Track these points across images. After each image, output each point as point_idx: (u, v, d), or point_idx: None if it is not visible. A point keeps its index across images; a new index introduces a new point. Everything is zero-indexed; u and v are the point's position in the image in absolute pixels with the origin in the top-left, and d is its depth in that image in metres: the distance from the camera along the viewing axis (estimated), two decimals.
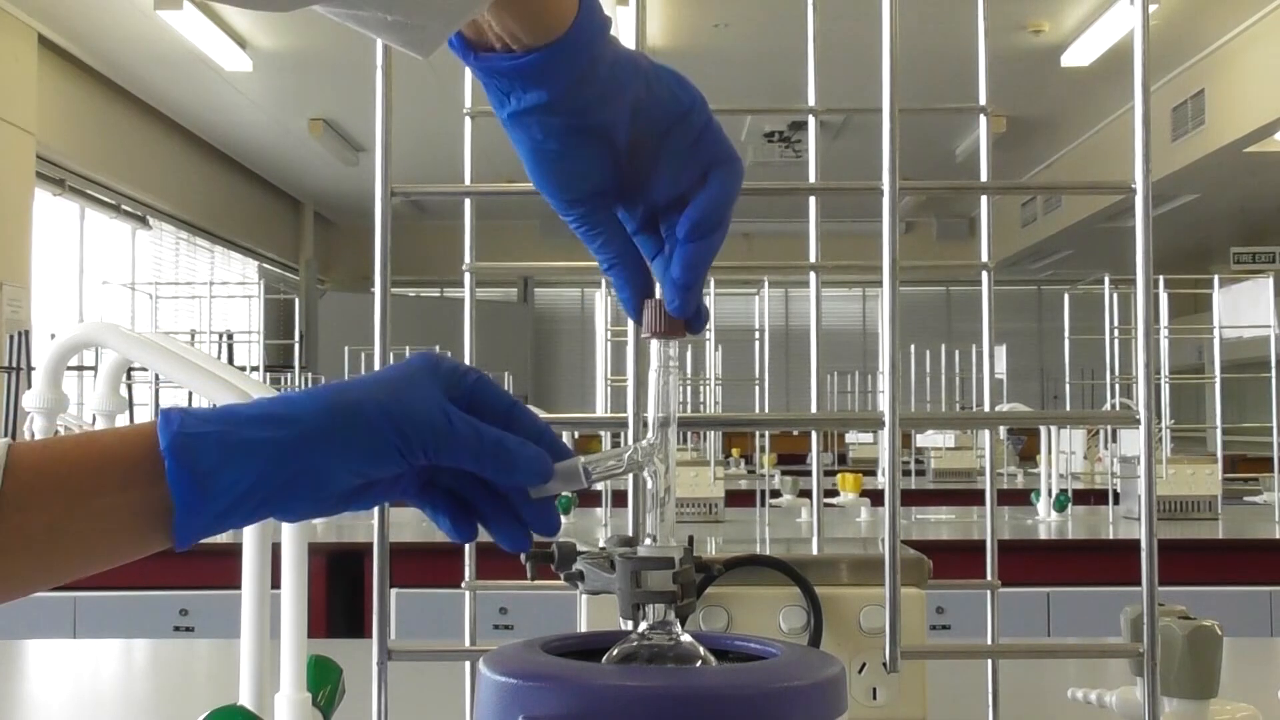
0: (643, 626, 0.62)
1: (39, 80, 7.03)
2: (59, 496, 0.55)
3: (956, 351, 6.79)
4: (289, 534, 0.95)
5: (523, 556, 0.66)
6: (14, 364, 5.87)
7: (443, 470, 0.62)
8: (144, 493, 0.56)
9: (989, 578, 1.00)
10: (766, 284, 3.72)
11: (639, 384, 0.89)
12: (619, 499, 3.46)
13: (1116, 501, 3.94)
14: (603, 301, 3.82)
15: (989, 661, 1.00)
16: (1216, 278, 4.21)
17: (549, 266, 1.09)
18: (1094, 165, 9.50)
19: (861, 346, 12.27)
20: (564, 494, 0.82)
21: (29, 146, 7.00)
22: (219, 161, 10.36)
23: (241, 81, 8.14)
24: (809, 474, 1.20)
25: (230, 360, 7.05)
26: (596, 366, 3.99)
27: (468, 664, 0.91)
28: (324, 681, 0.99)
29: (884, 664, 0.84)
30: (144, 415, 4.95)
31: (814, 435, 1.14)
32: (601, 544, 0.65)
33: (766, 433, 5.14)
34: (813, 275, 1.06)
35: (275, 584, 0.95)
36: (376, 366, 0.72)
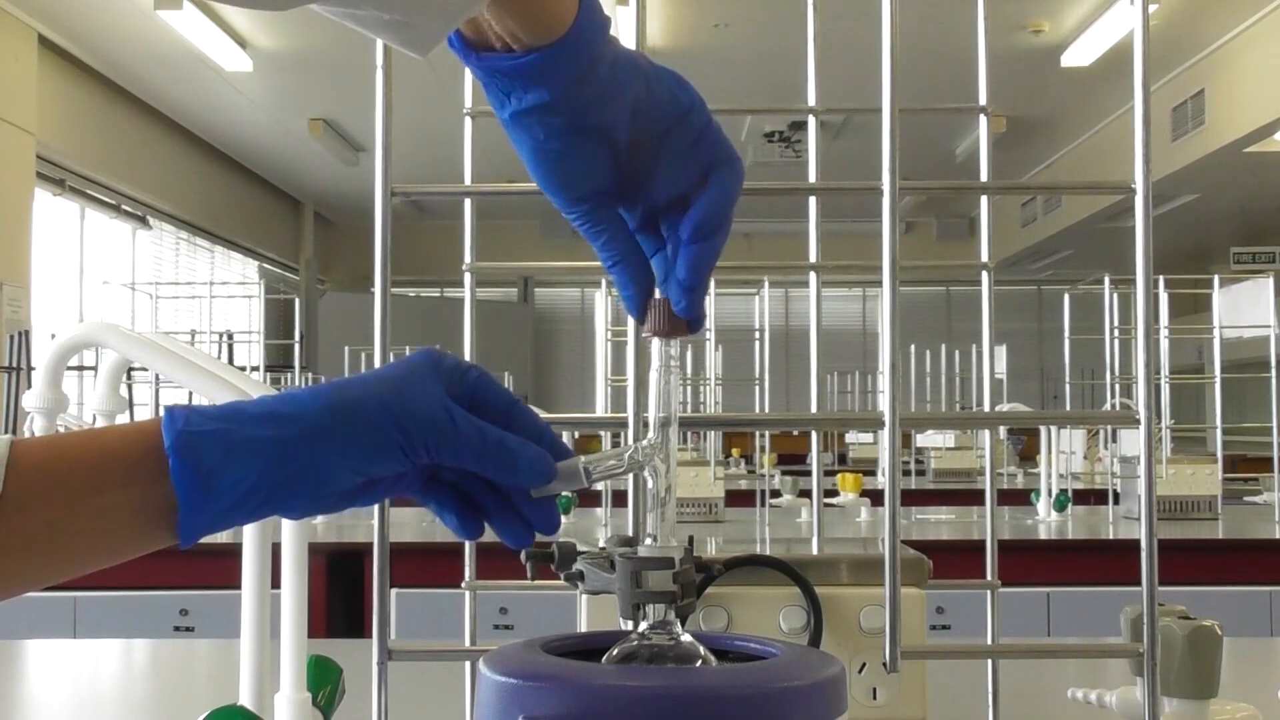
0: (643, 626, 0.62)
1: (39, 80, 7.04)
2: (61, 493, 0.55)
3: (956, 351, 6.79)
4: (289, 534, 0.95)
5: (523, 556, 0.66)
6: (14, 364, 5.87)
7: (445, 467, 0.62)
8: (146, 490, 0.56)
9: (989, 578, 1.00)
10: (766, 284, 3.72)
11: (639, 384, 0.89)
12: (619, 499, 3.46)
13: (1116, 501, 3.94)
14: (603, 301, 3.82)
15: (989, 661, 1.00)
16: (1216, 278, 4.21)
17: (549, 266, 1.09)
18: (1094, 165, 9.50)
19: (861, 346, 12.28)
20: (564, 494, 0.82)
21: (29, 146, 7.00)
22: (219, 161, 10.36)
23: (241, 81, 8.14)
24: (809, 474, 1.20)
25: (230, 360, 7.05)
26: (596, 366, 3.99)
27: (468, 664, 0.91)
28: (324, 681, 0.99)
29: (884, 664, 0.84)
30: (144, 415, 4.95)
31: (814, 435, 1.14)
32: (601, 544, 0.65)
33: (766, 433, 5.14)
34: (813, 275, 1.06)
35: (275, 584, 0.95)
36: (377, 366, 0.72)
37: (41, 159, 7.29)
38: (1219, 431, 4.09)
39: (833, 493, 4.01)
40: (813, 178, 1.06)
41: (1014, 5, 6.79)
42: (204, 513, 0.57)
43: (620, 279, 0.68)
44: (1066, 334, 4.22)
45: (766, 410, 3.67)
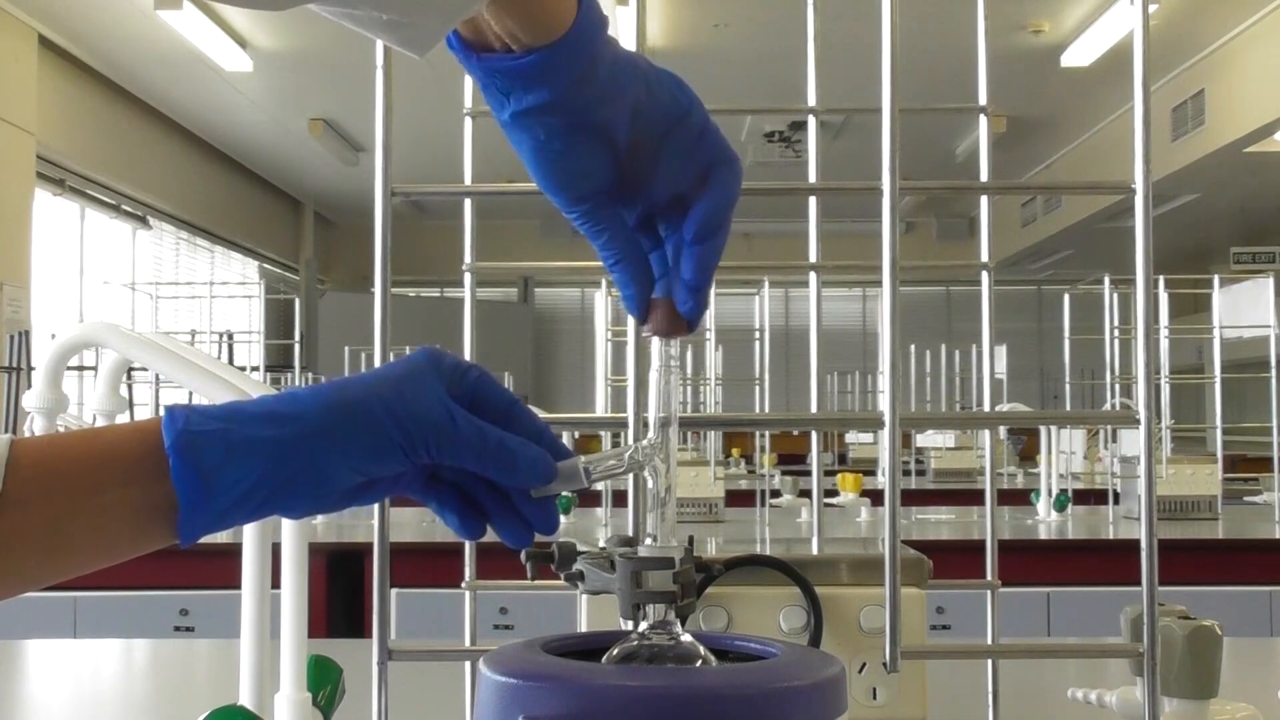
0: (643, 626, 0.62)
1: (39, 80, 7.04)
2: (61, 492, 0.55)
3: (956, 351, 6.79)
4: (289, 533, 0.95)
5: (523, 556, 0.66)
6: (14, 364, 5.87)
7: (445, 467, 0.63)
8: (147, 489, 0.56)
9: (989, 578, 1.00)
10: (766, 284, 3.72)
11: (639, 384, 0.89)
12: (619, 499, 3.46)
13: (1116, 501, 3.95)
14: (603, 301, 3.82)
15: (989, 661, 1.00)
16: (1216, 278, 4.21)
17: (549, 266, 1.09)
18: (1094, 165, 9.50)
19: (861, 346, 12.27)
20: (564, 494, 0.82)
21: (29, 146, 7.00)
22: (219, 161, 10.36)
23: (241, 81, 8.14)
24: (809, 474, 1.20)
25: (230, 360, 7.05)
26: (596, 366, 3.99)
27: (468, 664, 0.91)
28: (324, 681, 0.99)
29: (884, 664, 0.84)
30: (144, 415, 4.95)
31: (814, 435, 1.14)
32: (601, 544, 0.65)
33: (766, 433, 5.14)
34: (813, 275, 1.06)
35: (275, 584, 0.95)
36: (377, 366, 0.72)
37: (41, 159, 7.29)
38: (1219, 431, 4.09)
39: (833, 493, 4.01)
40: (813, 178, 1.06)
41: (1014, 5, 6.79)
42: (204, 512, 0.57)
43: (621, 278, 0.68)
44: (1066, 334, 4.22)
45: (766, 410, 3.67)
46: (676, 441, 0.65)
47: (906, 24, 0.85)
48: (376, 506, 0.84)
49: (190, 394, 1.09)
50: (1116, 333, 3.99)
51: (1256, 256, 9.97)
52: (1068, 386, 4.43)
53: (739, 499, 4.35)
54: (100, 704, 1.47)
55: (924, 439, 6.29)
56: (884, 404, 0.84)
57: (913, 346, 6.95)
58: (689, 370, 4.66)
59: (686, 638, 0.62)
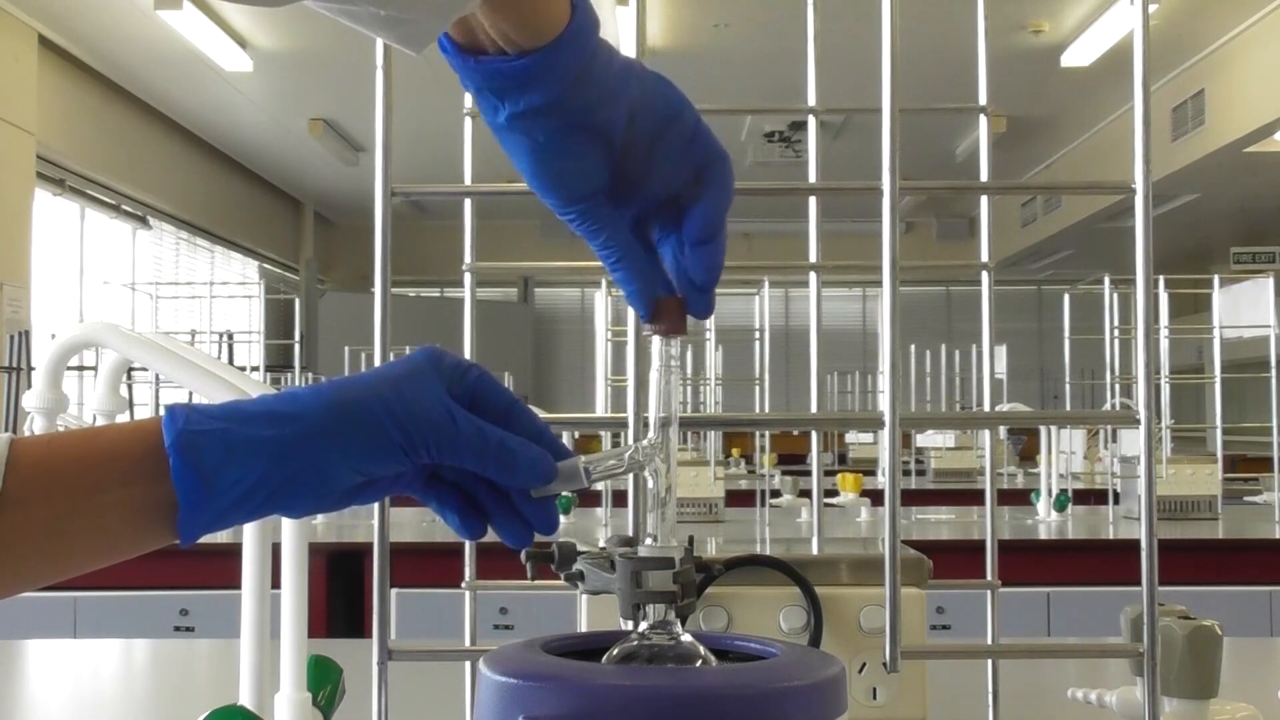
0: (643, 626, 0.62)
1: (39, 80, 7.04)
2: (61, 492, 0.55)
3: (956, 351, 6.79)
4: (289, 533, 0.95)
5: (523, 556, 0.66)
6: (14, 364, 5.87)
7: (445, 466, 0.63)
8: (147, 489, 0.56)
9: (989, 578, 1.00)
10: (766, 284, 3.72)
11: (639, 384, 0.89)
12: (619, 499, 3.46)
13: (1116, 501, 3.95)
14: (603, 301, 3.82)
15: (989, 661, 1.00)
16: (1216, 278, 4.21)
17: (549, 266, 1.09)
18: (1094, 165, 9.50)
19: (861, 346, 12.27)
20: (564, 494, 0.82)
21: (29, 146, 7.00)
22: (219, 161, 10.36)
23: (241, 81, 8.14)
24: (809, 474, 1.20)
25: (230, 360, 7.05)
26: (596, 366, 3.99)
27: (468, 664, 0.91)
28: (324, 681, 0.99)
29: (884, 664, 0.84)
30: (144, 415, 4.95)
31: (814, 435, 1.14)
32: (601, 544, 0.65)
33: (766, 433, 5.14)
34: (813, 275, 1.06)
35: (275, 584, 0.95)
36: (377, 366, 0.72)
37: (41, 159, 7.29)
38: (1219, 431, 4.09)
39: (833, 493, 4.01)
40: (813, 178, 1.06)
41: (1014, 5, 6.79)
42: (204, 511, 0.57)
43: (624, 276, 0.68)
44: (1066, 334, 4.22)
45: (766, 410, 3.67)
46: (676, 441, 0.65)
47: (906, 24, 0.85)
48: (376, 506, 0.84)
49: (190, 394, 1.09)
50: (1116, 333, 4.00)
51: (1256, 256, 9.97)
52: (1068, 386, 4.42)
53: (739, 499, 4.35)
54: (100, 704, 1.47)
55: (924, 439, 6.29)
56: (884, 404, 0.84)
57: (913, 346, 6.95)
58: (689, 370, 4.66)
59: (686, 638, 0.62)
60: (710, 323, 3.92)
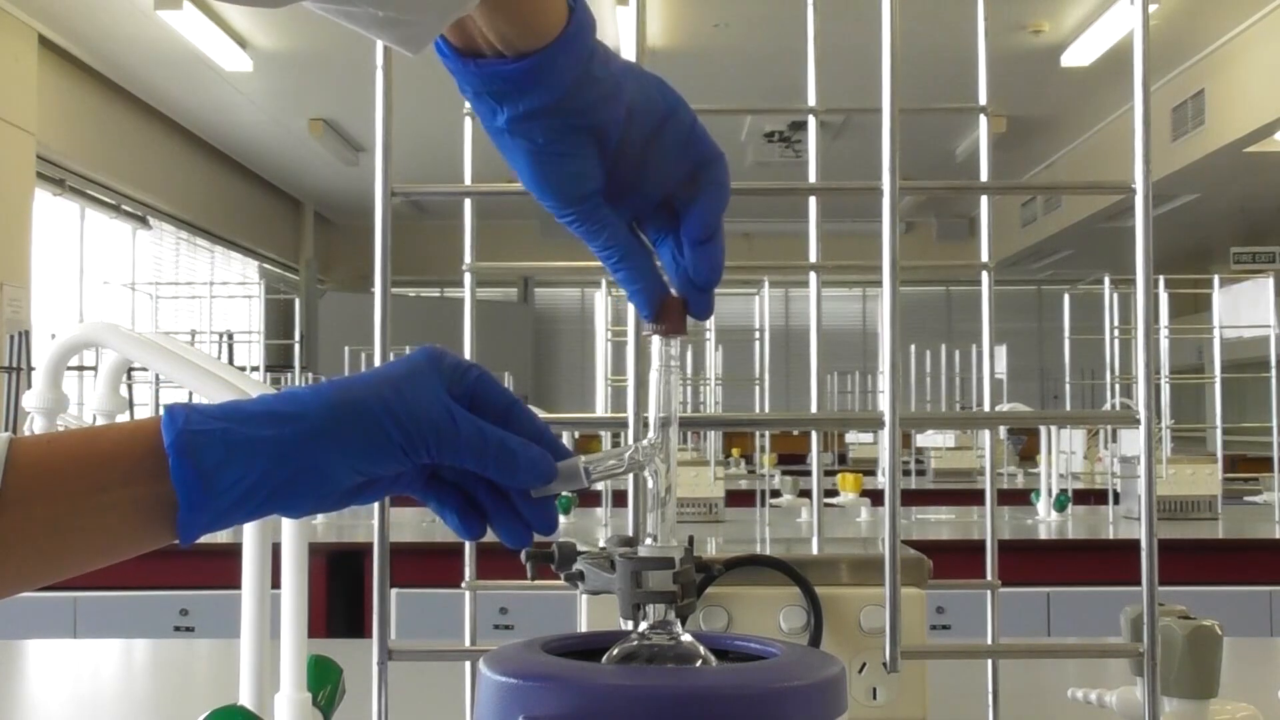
0: (643, 626, 0.62)
1: (39, 80, 7.03)
2: (60, 491, 0.55)
3: (956, 351, 6.79)
4: (289, 533, 0.95)
5: (523, 556, 0.66)
6: (14, 364, 5.87)
7: (445, 466, 0.63)
8: (147, 489, 0.56)
9: (989, 578, 1.00)
10: (766, 284, 3.72)
11: (639, 384, 0.89)
12: (619, 499, 3.46)
13: (1116, 501, 3.95)
14: (603, 301, 3.82)
15: (989, 661, 1.00)
16: (1216, 278, 4.21)
17: (549, 266, 1.09)
18: (1094, 165, 9.50)
19: (861, 346, 12.27)
20: (564, 494, 0.82)
21: (29, 146, 7.00)
22: (219, 161, 10.36)
23: (241, 81, 8.14)
24: (809, 474, 1.20)
25: (230, 360, 7.05)
26: (596, 366, 3.99)
27: (468, 664, 0.91)
28: (324, 681, 0.99)
29: (884, 664, 0.84)
30: (144, 415, 4.95)
31: (814, 435, 1.14)
32: (601, 544, 0.65)
33: (766, 433, 5.14)
34: (813, 275, 1.06)
35: (275, 584, 0.95)
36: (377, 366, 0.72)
37: (41, 159, 7.29)
38: (1219, 431, 4.09)
39: (833, 493, 4.01)
40: (813, 178, 1.06)
41: (1014, 5, 6.79)
42: (204, 511, 0.57)
43: (627, 275, 0.68)
44: (1066, 334, 4.22)
45: (766, 410, 3.67)
46: (676, 441, 0.65)
47: (906, 24, 0.85)
48: (376, 506, 0.84)
49: (190, 394, 1.09)
50: (1116, 333, 4.00)
51: (1256, 256, 9.97)
52: (1068, 386, 4.42)
53: (739, 499, 4.35)
54: (100, 704, 1.47)
55: (924, 439, 6.29)
56: (884, 404, 0.84)
57: (913, 346, 6.95)
58: (689, 370, 4.66)
59: (686, 638, 0.62)
60: (710, 323, 3.92)
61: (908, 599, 0.89)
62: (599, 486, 3.40)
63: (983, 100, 1.04)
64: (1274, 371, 3.87)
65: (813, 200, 1.08)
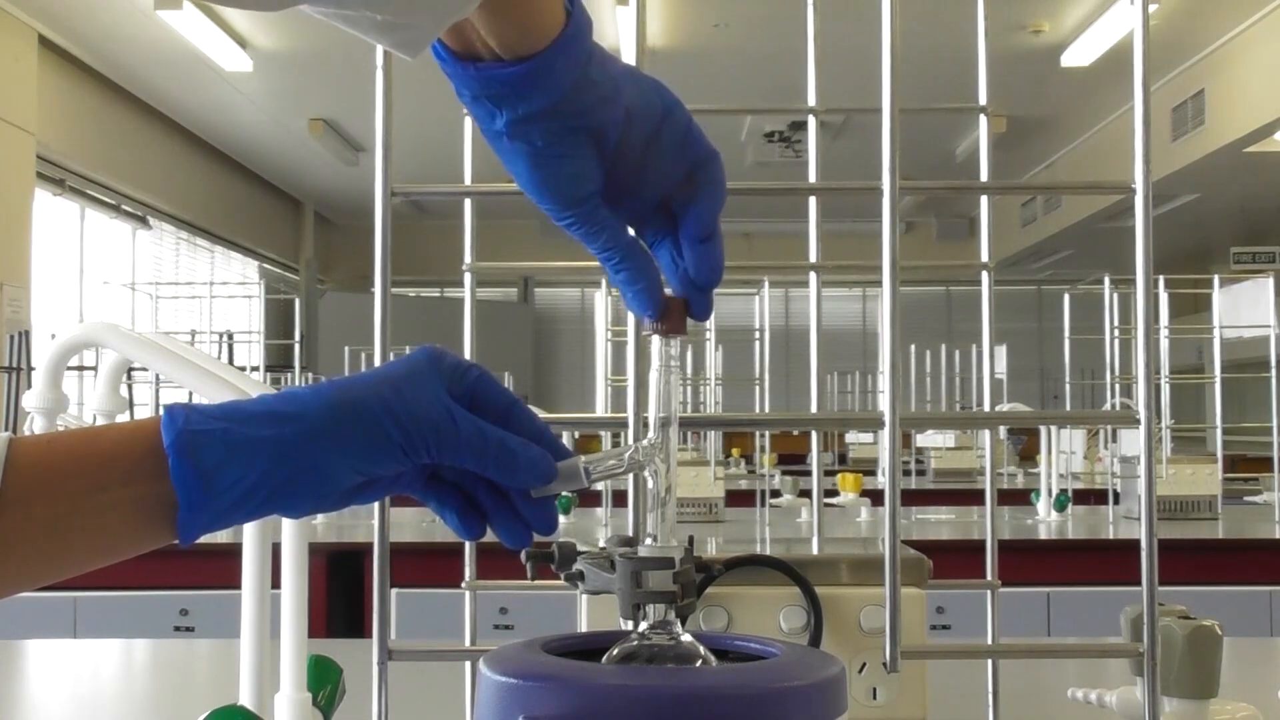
0: (643, 626, 0.62)
1: (39, 80, 7.03)
2: (60, 491, 0.55)
3: (956, 351, 6.79)
4: (289, 533, 0.95)
5: (523, 556, 0.66)
6: (14, 364, 5.87)
7: (445, 466, 0.63)
8: (147, 489, 0.56)
9: (989, 578, 1.00)
10: (766, 284, 3.72)
11: (639, 384, 0.89)
12: (619, 499, 3.46)
13: (1116, 501, 3.95)
14: (603, 301, 3.82)
15: (989, 661, 1.00)
16: (1216, 278, 4.21)
17: (549, 266, 1.09)
18: (1094, 165, 9.50)
19: (861, 346, 12.27)
20: (564, 494, 0.82)
21: (29, 146, 7.00)
22: (219, 161, 10.36)
23: (241, 81, 8.14)
24: (809, 474, 1.20)
25: (230, 360, 7.05)
26: (596, 366, 3.99)
27: (468, 664, 0.91)
28: (324, 681, 0.99)
29: (884, 664, 0.84)
30: (144, 415, 4.95)
31: (814, 435, 1.14)
32: (601, 544, 0.65)
33: (766, 433, 5.14)
34: (813, 275, 1.06)
35: (275, 584, 0.95)
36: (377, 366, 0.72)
37: (41, 159, 7.29)
38: (1219, 431, 4.09)
39: (833, 493, 4.01)
40: (813, 178, 1.06)
41: (1014, 5, 6.79)
42: (204, 511, 0.57)
43: (629, 276, 0.68)
44: (1066, 334, 4.22)
45: (766, 410, 3.67)
46: (676, 441, 0.65)
47: (906, 24, 0.85)
48: (376, 506, 0.84)
49: (190, 394, 1.09)
50: (1116, 333, 4.00)
51: (1256, 256, 9.97)
52: (1068, 386, 4.43)
53: (739, 499, 4.35)
54: (100, 704, 1.47)
55: (924, 439, 6.29)
56: (884, 404, 0.84)
57: (913, 346, 6.95)
58: (689, 370, 4.66)
59: (686, 638, 0.62)
60: (710, 323, 3.92)
61: (908, 599, 0.89)
62: (599, 486, 3.40)
63: (983, 100, 1.04)
64: (1274, 371, 3.87)
65: (813, 200, 1.08)
